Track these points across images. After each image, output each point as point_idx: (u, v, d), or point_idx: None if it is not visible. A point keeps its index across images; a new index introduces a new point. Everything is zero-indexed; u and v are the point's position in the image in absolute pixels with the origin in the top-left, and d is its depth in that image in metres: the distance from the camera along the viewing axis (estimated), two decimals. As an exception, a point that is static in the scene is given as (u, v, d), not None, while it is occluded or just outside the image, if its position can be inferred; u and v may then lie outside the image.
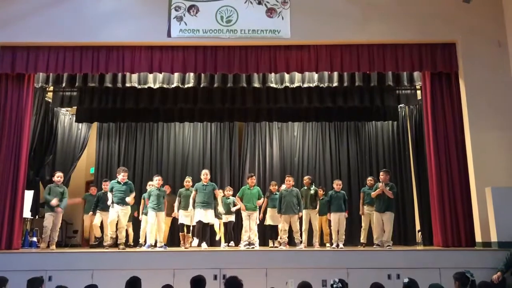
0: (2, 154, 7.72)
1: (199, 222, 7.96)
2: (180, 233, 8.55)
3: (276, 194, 8.69)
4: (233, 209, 8.78)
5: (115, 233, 7.80)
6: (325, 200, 8.56)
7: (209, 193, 8.07)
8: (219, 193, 8.65)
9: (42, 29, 7.91)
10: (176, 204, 8.53)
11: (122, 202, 7.75)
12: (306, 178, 8.86)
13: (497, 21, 7.98)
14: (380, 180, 8.08)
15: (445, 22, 7.98)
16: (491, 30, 7.94)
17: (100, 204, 8.59)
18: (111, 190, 7.82)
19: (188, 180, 8.71)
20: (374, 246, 7.75)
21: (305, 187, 8.68)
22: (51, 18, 7.96)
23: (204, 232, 8.03)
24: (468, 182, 7.60)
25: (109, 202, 7.85)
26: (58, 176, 8.17)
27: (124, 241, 7.85)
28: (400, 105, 10.33)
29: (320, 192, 8.88)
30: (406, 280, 4.27)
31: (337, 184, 8.49)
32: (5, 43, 7.95)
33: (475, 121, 7.66)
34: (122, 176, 7.88)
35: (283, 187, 8.41)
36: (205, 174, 8.26)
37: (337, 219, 8.17)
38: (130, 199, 7.87)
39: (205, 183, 8.15)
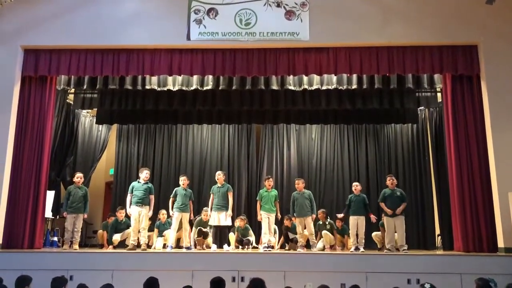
0: (25, 155, 7.88)
1: (213, 227, 8.12)
2: (196, 238, 8.57)
3: (292, 224, 8.74)
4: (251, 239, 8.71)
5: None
6: (346, 205, 8.49)
7: (223, 195, 8.09)
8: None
9: (64, 33, 8.07)
10: (193, 234, 8.55)
11: (141, 202, 7.78)
12: (320, 213, 8.82)
13: (520, 23, 7.85)
14: (387, 185, 8.01)
15: (467, 24, 7.88)
16: (514, 31, 7.82)
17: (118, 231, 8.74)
18: (131, 191, 7.88)
19: (206, 210, 8.56)
20: (385, 251, 7.66)
21: (320, 222, 8.72)
22: (73, 22, 8.11)
23: (223, 234, 8.07)
24: (490, 186, 7.48)
25: (128, 210, 7.92)
26: (78, 177, 8.22)
27: (146, 242, 7.89)
28: (420, 108, 10.21)
29: (339, 223, 8.89)
30: (427, 285, 4.21)
31: (355, 187, 8.36)
32: (28, 47, 8.12)
33: (497, 124, 7.54)
34: (145, 174, 7.95)
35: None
36: (218, 175, 8.30)
37: (356, 222, 8.06)
38: (149, 211, 7.92)
39: (220, 185, 8.18)
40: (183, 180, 8.28)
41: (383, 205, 7.92)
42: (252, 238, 8.67)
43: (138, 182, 7.95)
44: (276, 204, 8.30)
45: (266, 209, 8.15)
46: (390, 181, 8.03)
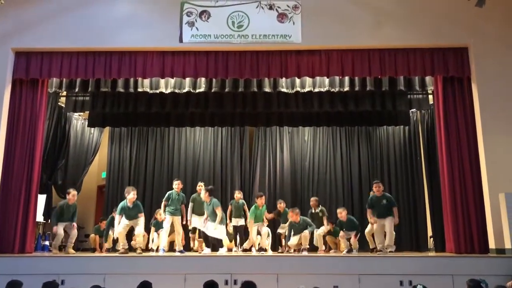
0: (16, 158, 7.82)
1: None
2: (191, 234, 8.55)
3: (284, 210, 8.82)
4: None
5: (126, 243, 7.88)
6: (337, 228, 8.64)
7: (212, 211, 7.97)
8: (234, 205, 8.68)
9: (56, 35, 8.03)
10: (189, 210, 8.53)
11: (132, 219, 7.88)
12: (312, 200, 8.90)
13: (510, 25, 7.91)
14: (374, 191, 8.06)
15: (457, 26, 7.94)
16: (503, 34, 7.89)
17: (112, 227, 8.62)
18: (120, 213, 7.86)
19: (200, 185, 8.75)
20: (378, 253, 7.71)
21: (313, 210, 8.76)
22: (64, 24, 8.07)
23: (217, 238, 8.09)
24: (481, 188, 7.53)
25: (116, 227, 7.89)
26: (73, 195, 8.25)
27: (141, 246, 7.91)
28: (412, 110, 10.26)
29: (331, 225, 8.85)
30: (420, 287, 4.22)
31: (340, 213, 8.42)
32: (19, 49, 8.07)
33: (488, 126, 7.60)
34: (132, 195, 7.89)
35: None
36: (203, 193, 8.21)
37: (348, 237, 8.23)
38: (141, 228, 7.95)
39: (208, 203, 8.08)
40: (177, 184, 8.28)
41: (370, 212, 7.99)
42: (242, 220, 8.58)
43: (128, 207, 7.87)
44: (266, 215, 8.47)
45: (257, 221, 8.33)
46: (376, 188, 8.03)
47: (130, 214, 7.85)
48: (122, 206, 7.90)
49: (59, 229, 7.92)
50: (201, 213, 8.31)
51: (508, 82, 7.71)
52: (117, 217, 7.91)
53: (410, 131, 10.70)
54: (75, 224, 8.18)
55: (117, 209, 8.00)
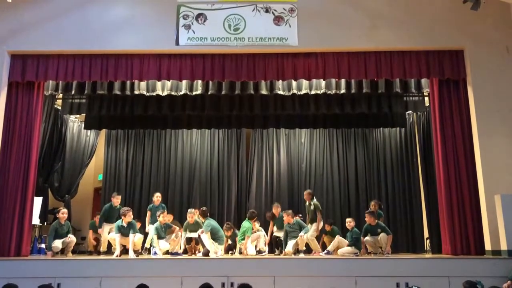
0: (12, 161, 7.80)
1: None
2: (186, 246, 8.51)
3: (280, 215, 8.79)
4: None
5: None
6: (335, 227, 8.73)
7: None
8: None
9: (52, 38, 8.02)
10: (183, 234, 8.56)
11: (126, 235, 7.91)
12: (306, 194, 8.77)
13: (505, 28, 7.97)
14: (366, 221, 8.08)
15: (453, 29, 7.99)
16: (499, 36, 7.93)
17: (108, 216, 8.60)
18: (117, 231, 7.89)
19: (191, 212, 8.53)
20: (373, 255, 7.77)
21: (306, 203, 8.70)
22: (61, 27, 8.07)
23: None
24: (477, 189, 7.57)
25: (115, 254, 7.76)
26: (64, 213, 8.27)
27: (140, 249, 8.03)
28: (408, 112, 10.29)
29: (329, 227, 8.80)
30: (415, 289, 4.24)
31: (349, 223, 8.40)
32: (15, 52, 8.05)
33: (484, 128, 7.63)
34: (126, 217, 7.92)
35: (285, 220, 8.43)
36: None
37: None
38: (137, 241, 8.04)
39: (203, 221, 8.25)
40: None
41: (363, 240, 8.03)
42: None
43: (123, 226, 7.89)
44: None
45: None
46: (367, 218, 8.02)
47: (125, 232, 7.88)
48: (118, 226, 7.93)
49: (55, 245, 7.97)
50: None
51: (503, 84, 7.76)
52: (116, 236, 7.89)
53: (406, 133, 10.73)
54: (70, 236, 8.29)
55: (114, 230, 8.03)
